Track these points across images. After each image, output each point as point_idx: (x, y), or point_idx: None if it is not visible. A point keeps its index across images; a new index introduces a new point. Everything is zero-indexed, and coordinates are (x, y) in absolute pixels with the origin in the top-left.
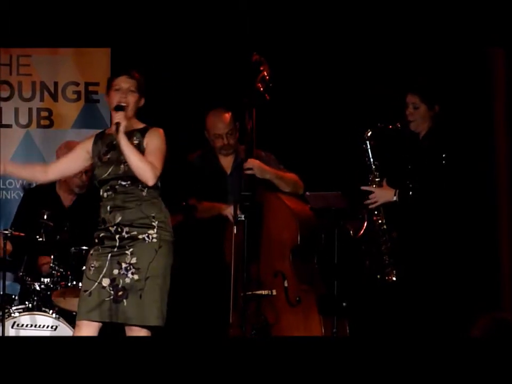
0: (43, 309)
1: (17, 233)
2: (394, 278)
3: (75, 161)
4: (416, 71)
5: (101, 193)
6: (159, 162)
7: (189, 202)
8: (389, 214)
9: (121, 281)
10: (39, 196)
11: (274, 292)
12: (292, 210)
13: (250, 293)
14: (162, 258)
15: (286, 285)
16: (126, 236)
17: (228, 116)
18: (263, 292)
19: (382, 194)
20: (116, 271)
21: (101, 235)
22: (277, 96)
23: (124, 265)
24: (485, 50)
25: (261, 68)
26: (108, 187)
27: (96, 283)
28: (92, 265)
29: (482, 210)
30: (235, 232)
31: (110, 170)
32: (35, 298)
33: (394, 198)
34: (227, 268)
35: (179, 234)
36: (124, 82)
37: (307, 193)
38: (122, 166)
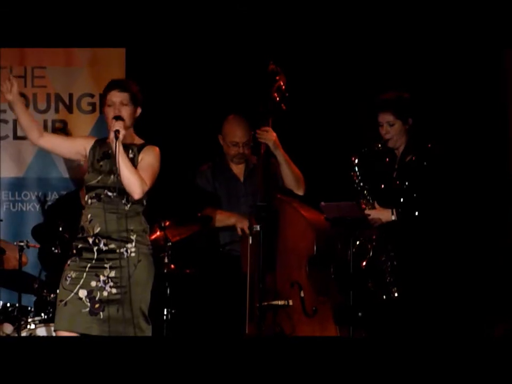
0: None
1: (32, 245)
2: (396, 294)
3: (69, 146)
4: (380, 89)
5: (86, 199)
6: (149, 179)
7: (204, 213)
8: (385, 233)
9: (98, 293)
10: (64, 207)
11: (290, 302)
12: (308, 220)
13: (266, 303)
14: (142, 272)
15: (302, 295)
16: (104, 248)
17: (246, 124)
18: (280, 302)
19: (381, 216)
20: (93, 283)
21: (79, 246)
22: (293, 106)
23: (102, 278)
24: (501, 51)
25: (277, 78)
26: (94, 194)
27: (73, 293)
28: (69, 275)
29: (484, 210)
30: (250, 242)
31: (99, 178)
32: (51, 309)
33: (393, 218)
34: (243, 278)
35: (195, 244)
36: (115, 97)
37: (322, 203)
38: (112, 176)
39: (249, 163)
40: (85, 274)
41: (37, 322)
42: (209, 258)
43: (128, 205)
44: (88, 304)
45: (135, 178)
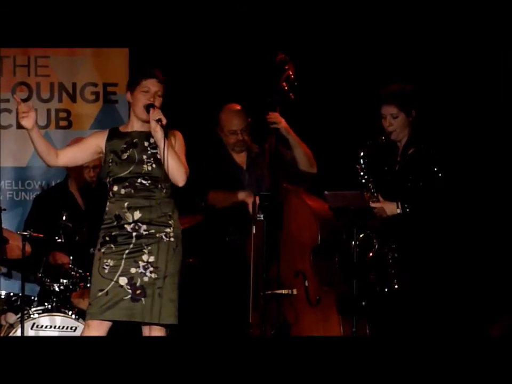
0: (62, 310)
1: (36, 234)
2: (396, 286)
3: (85, 152)
4: (384, 81)
5: (116, 190)
6: (186, 163)
7: (208, 196)
8: (388, 225)
9: (139, 279)
10: (54, 196)
11: (294, 292)
12: (312, 209)
13: (270, 292)
14: (178, 257)
15: (306, 284)
16: (144, 233)
17: (242, 111)
18: (283, 291)
19: (385, 209)
20: (133, 270)
21: (113, 233)
22: (302, 95)
23: (141, 263)
24: (500, 51)
25: (286, 67)
26: (127, 184)
27: (113, 282)
28: (106, 264)
29: (486, 205)
30: (254, 232)
31: (131, 168)
32: (54, 299)
33: (398, 211)
34: (248, 267)
35: (199, 234)
36: (153, 86)
37: (326, 192)
38: (145, 165)
39: (250, 151)
40: (123, 261)
41: (40, 311)
42: (213, 248)
43: (164, 191)
44: (130, 291)
45: (181, 167)
